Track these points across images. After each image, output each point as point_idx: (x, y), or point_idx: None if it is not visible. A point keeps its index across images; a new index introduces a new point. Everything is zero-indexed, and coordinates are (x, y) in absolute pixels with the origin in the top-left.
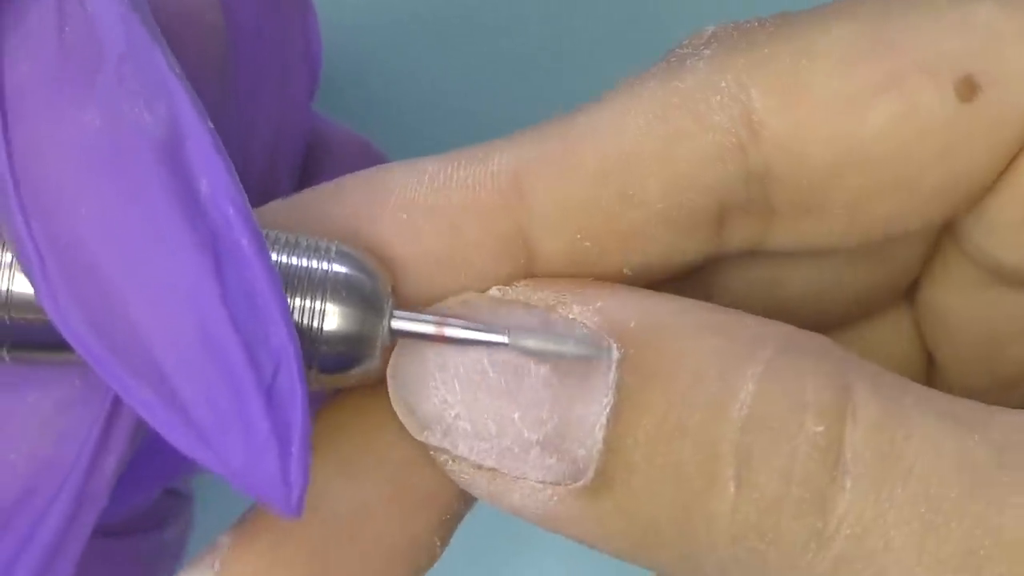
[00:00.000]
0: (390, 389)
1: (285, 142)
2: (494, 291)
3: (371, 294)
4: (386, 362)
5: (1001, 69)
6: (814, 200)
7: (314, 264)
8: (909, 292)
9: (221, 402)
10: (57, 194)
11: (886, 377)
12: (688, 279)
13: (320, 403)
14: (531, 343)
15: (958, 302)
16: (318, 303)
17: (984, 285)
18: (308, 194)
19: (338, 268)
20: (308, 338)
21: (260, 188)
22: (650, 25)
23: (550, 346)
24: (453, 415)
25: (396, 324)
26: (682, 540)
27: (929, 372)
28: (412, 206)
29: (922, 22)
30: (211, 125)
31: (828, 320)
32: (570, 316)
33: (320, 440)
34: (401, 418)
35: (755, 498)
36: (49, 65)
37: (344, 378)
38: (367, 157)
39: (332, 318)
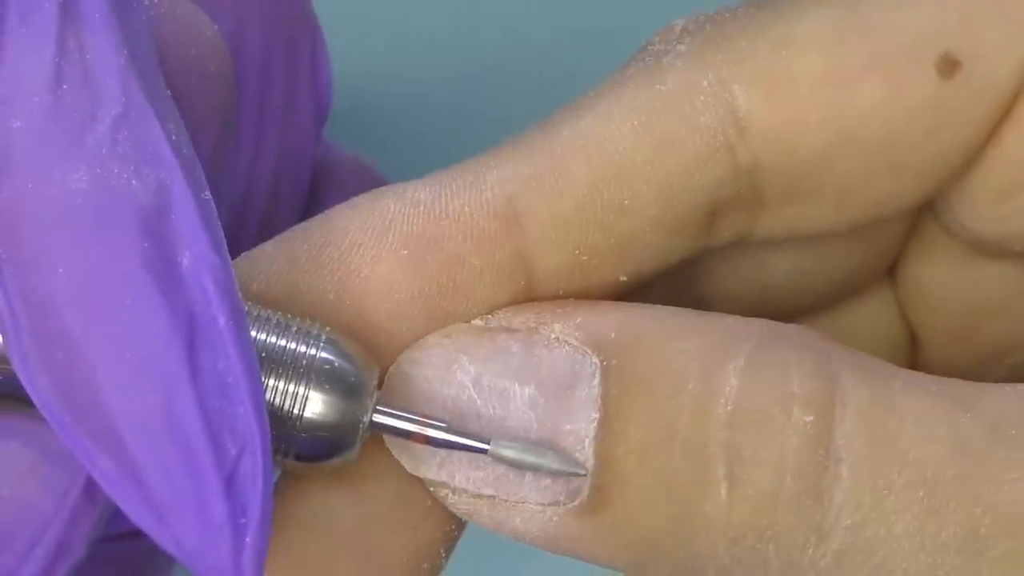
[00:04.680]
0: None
1: (289, 172)
2: (477, 321)
3: (355, 385)
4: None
5: (978, 44)
6: (804, 188)
7: (302, 349)
8: (891, 271)
9: (179, 482)
10: (35, 251)
11: (872, 362)
12: (675, 273)
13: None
14: (510, 453)
15: (939, 278)
16: (301, 388)
17: (964, 260)
18: (302, 233)
19: (325, 355)
20: (287, 423)
21: (264, 218)
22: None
23: (529, 458)
24: None
25: (378, 419)
26: (682, 548)
27: (912, 350)
28: (411, 241)
29: (898, 3)
30: (206, 194)
31: (813, 301)
32: (552, 335)
33: None
34: (395, 455)
35: (749, 496)
36: (42, 121)
37: (320, 467)
38: (372, 184)
39: (314, 405)
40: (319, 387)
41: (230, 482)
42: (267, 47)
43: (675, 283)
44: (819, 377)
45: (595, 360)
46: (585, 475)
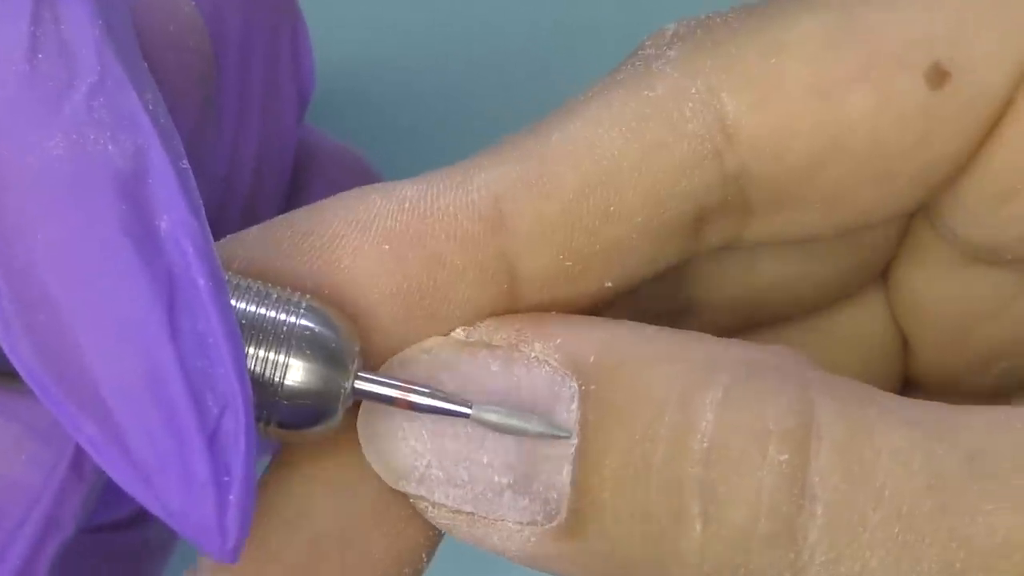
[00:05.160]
0: (361, 441)
1: (272, 157)
2: (459, 333)
3: (336, 352)
4: (347, 419)
5: (967, 54)
6: (791, 195)
7: (282, 317)
8: (883, 275)
9: (162, 443)
10: (15, 219)
11: (850, 390)
12: (664, 277)
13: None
14: (493, 417)
15: (931, 283)
16: (282, 356)
17: (956, 265)
18: (286, 220)
19: (305, 323)
20: (269, 391)
21: (247, 203)
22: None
23: (512, 422)
24: (425, 464)
25: (360, 385)
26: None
27: (904, 354)
28: (394, 237)
29: (888, 10)
30: (184, 163)
31: (802, 307)
32: (532, 355)
33: (305, 459)
34: (375, 469)
35: (723, 535)
36: (18, 90)
37: (303, 434)
38: (356, 170)
39: (294, 372)
40: (300, 354)
41: (212, 441)
42: (247, 31)
43: (663, 288)
44: (795, 412)
45: (573, 384)
46: (569, 438)
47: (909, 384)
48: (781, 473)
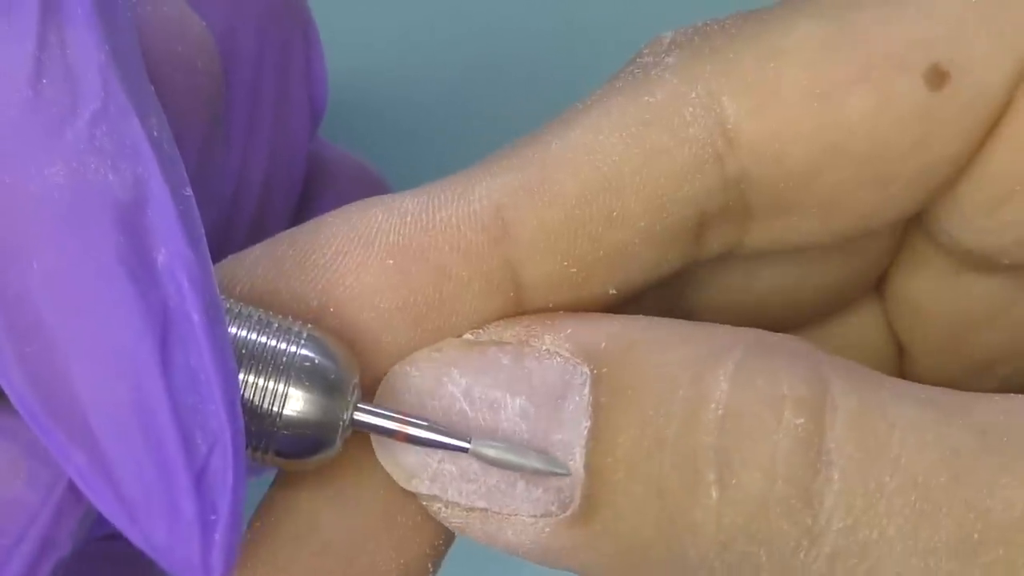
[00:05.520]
0: (373, 442)
1: (282, 171)
2: (468, 335)
3: (336, 383)
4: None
5: (966, 56)
6: (792, 199)
7: (282, 346)
8: (879, 283)
9: (149, 478)
10: (11, 246)
11: (861, 371)
12: (665, 285)
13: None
14: (491, 452)
15: (928, 290)
16: (281, 386)
17: (952, 272)
18: (289, 238)
19: (306, 353)
20: (268, 420)
21: (255, 217)
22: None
23: (510, 457)
24: (437, 460)
25: (359, 416)
26: (673, 556)
27: (900, 362)
28: (398, 251)
29: (886, 13)
30: (187, 190)
31: (801, 315)
32: (543, 347)
33: (311, 473)
34: (387, 470)
35: (739, 499)
36: (21, 115)
37: (301, 463)
38: (365, 181)
39: (294, 402)
40: (299, 384)
41: (200, 478)
42: (260, 46)
43: (665, 296)
44: (809, 382)
45: (585, 370)
46: (567, 475)
47: None
48: (797, 437)
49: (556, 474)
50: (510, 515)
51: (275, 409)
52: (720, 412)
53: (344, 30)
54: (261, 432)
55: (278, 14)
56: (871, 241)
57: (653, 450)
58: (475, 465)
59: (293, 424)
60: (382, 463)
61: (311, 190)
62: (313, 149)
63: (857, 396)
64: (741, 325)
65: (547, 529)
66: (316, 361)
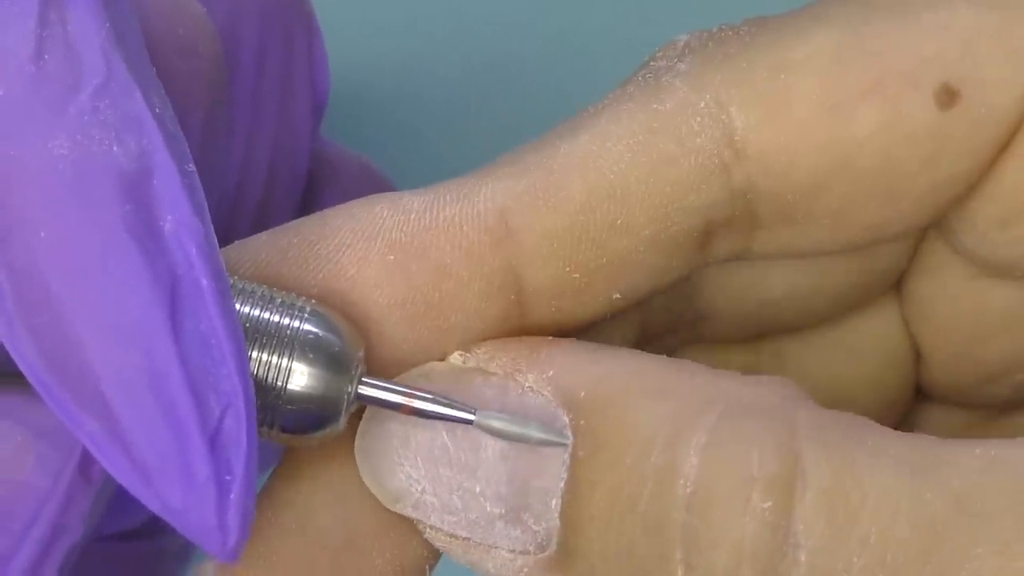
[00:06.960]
0: (358, 463)
1: (285, 164)
2: (455, 358)
3: (340, 356)
4: (353, 427)
5: (978, 75)
6: (799, 211)
7: (286, 321)
8: (897, 285)
9: (163, 442)
10: (18, 218)
11: (839, 428)
12: (674, 288)
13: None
14: (497, 424)
15: (945, 295)
16: (285, 360)
17: (970, 278)
18: (294, 228)
19: (309, 327)
20: (272, 395)
21: (259, 209)
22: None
23: (514, 429)
24: (419, 490)
25: (363, 390)
26: None
27: (916, 365)
28: (400, 247)
29: (899, 28)
30: (190, 165)
31: (816, 317)
32: (526, 385)
33: (309, 467)
34: (372, 491)
35: None
36: (24, 91)
37: (307, 439)
38: (368, 178)
39: (298, 377)
40: (303, 358)
41: (214, 440)
42: (262, 38)
43: (674, 298)
44: (780, 457)
45: (565, 419)
46: (568, 443)
47: (922, 394)
48: (764, 521)
49: (558, 444)
50: (491, 548)
51: (279, 383)
52: (689, 489)
53: (346, 24)
54: (266, 407)
55: (279, 8)
56: (886, 246)
57: (626, 513)
58: (456, 499)
59: (297, 399)
60: (368, 485)
61: (315, 188)
62: (317, 148)
63: (830, 468)
64: (753, 327)
65: (525, 568)
66: (320, 335)
